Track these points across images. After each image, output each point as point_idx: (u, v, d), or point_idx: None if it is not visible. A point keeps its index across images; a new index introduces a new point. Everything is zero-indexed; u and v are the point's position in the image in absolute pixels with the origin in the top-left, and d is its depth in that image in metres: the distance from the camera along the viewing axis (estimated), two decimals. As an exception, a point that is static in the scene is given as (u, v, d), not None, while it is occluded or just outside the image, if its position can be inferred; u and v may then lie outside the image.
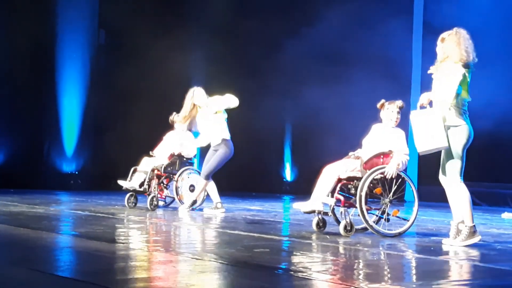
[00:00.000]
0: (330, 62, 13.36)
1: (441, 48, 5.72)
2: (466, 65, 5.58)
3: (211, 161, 8.45)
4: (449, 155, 5.62)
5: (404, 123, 6.45)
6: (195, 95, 8.56)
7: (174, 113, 9.00)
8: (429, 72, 5.83)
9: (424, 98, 5.69)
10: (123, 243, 5.19)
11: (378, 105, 6.52)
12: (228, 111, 8.55)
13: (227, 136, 8.48)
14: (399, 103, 6.48)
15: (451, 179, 5.63)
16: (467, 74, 5.61)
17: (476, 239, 5.60)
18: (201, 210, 8.64)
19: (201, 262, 4.38)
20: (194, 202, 8.55)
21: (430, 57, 6.05)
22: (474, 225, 5.60)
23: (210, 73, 13.89)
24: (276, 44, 13.54)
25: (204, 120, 8.55)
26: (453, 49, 5.61)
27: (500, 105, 10.82)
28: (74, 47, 12.85)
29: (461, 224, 5.65)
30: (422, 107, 5.70)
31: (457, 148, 5.59)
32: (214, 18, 13.86)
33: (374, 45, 12.40)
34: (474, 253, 5.37)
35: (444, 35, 5.75)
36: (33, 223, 6.49)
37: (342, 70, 12.92)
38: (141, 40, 12.93)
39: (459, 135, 5.59)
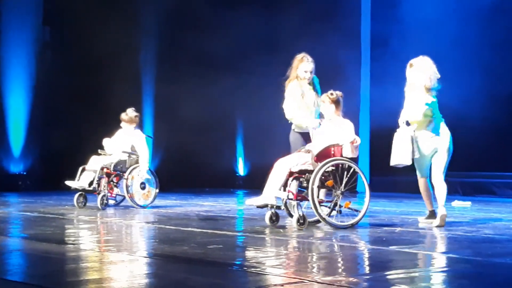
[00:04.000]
0: (282, 59, 13.38)
1: (410, 73, 6.62)
2: (428, 90, 6.53)
3: None
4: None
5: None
6: (306, 61, 7.01)
7: (132, 109, 8.89)
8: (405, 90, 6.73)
9: (403, 117, 6.57)
10: (73, 244, 5.10)
11: None
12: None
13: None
14: (330, 94, 6.47)
15: (436, 176, 6.61)
16: (433, 98, 6.54)
17: (431, 221, 6.66)
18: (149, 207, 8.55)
19: (153, 261, 4.34)
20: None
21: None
22: (434, 210, 6.82)
23: (159, 69, 13.77)
24: (225, 36, 13.46)
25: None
26: (420, 76, 6.54)
27: (451, 99, 11.05)
28: (18, 44, 12.55)
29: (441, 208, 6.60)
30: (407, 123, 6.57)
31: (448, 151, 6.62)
32: (162, 12, 13.73)
33: (324, 51, 12.48)
34: (425, 241, 5.47)
35: (413, 61, 6.63)
36: (-21, 226, 6.33)
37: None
38: (87, 36, 12.72)
39: (449, 141, 6.59)
